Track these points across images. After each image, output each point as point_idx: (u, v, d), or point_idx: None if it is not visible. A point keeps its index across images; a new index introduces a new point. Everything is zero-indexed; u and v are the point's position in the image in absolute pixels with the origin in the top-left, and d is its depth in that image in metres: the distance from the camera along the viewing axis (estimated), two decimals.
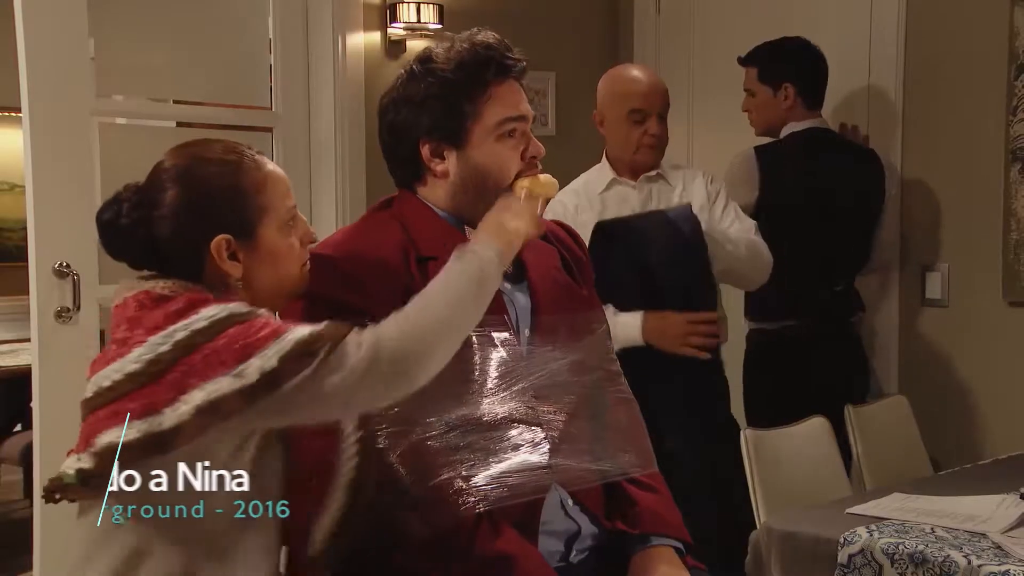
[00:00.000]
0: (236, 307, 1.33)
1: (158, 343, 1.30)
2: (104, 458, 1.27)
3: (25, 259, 2.56)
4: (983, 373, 3.08)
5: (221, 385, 1.26)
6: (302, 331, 1.31)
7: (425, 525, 1.47)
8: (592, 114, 2.73)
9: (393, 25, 3.16)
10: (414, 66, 1.64)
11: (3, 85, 2.73)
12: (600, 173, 2.73)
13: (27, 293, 2.54)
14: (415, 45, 3.20)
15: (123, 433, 1.26)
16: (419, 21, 3.14)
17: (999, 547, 1.79)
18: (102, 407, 1.29)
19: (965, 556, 1.75)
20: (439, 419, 1.52)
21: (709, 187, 2.70)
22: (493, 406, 1.56)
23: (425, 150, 1.62)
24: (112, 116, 3.04)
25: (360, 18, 3.12)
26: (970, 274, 3.09)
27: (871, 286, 3.23)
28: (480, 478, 1.51)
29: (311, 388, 1.28)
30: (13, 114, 2.55)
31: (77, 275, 2.54)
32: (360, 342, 1.31)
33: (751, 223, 2.69)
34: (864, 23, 3.24)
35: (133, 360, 1.30)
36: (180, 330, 1.30)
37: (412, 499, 1.48)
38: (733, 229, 2.63)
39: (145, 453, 1.27)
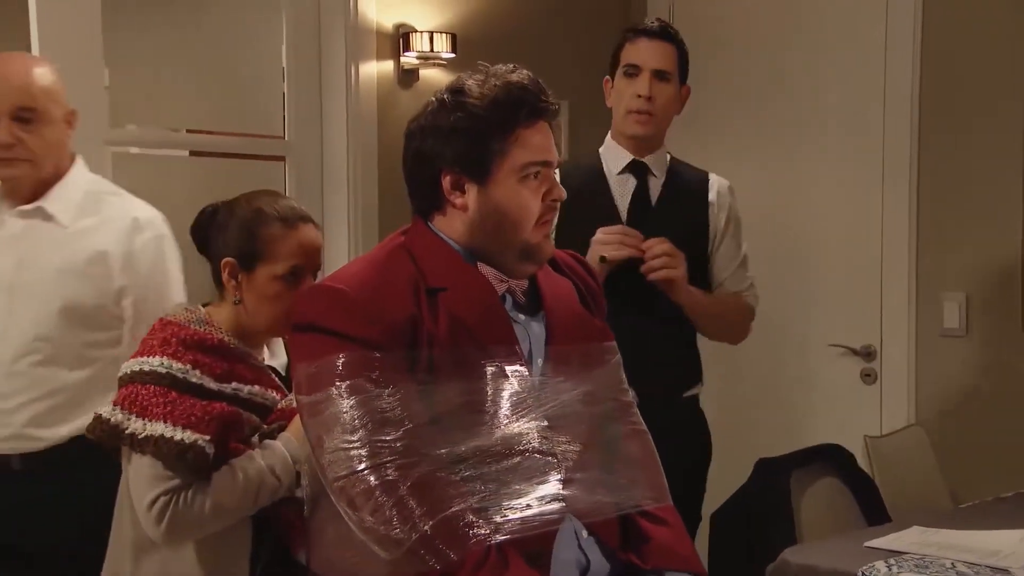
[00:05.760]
0: (187, 375, 1.70)
1: (154, 362, 1.70)
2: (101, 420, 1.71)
3: None
4: (1003, 404, 3.04)
5: (159, 428, 1.65)
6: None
7: (436, 557, 1.45)
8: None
9: (406, 54, 3.17)
10: (445, 96, 1.63)
11: None
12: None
13: None
14: (428, 74, 3.21)
15: (105, 410, 1.70)
16: (432, 50, 3.15)
17: None
18: (122, 386, 1.72)
19: None
20: (451, 450, 1.51)
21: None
22: (505, 437, 1.54)
23: (446, 181, 1.62)
24: (126, 145, 3.05)
25: (373, 47, 3.13)
26: (988, 303, 3.06)
27: (885, 314, 3.20)
28: (492, 510, 1.49)
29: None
30: None
31: None
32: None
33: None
34: (879, 48, 3.23)
35: (136, 364, 1.72)
36: (163, 366, 1.69)
37: (423, 531, 1.46)
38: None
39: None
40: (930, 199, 3.14)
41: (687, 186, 2.43)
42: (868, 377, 3.26)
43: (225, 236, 1.79)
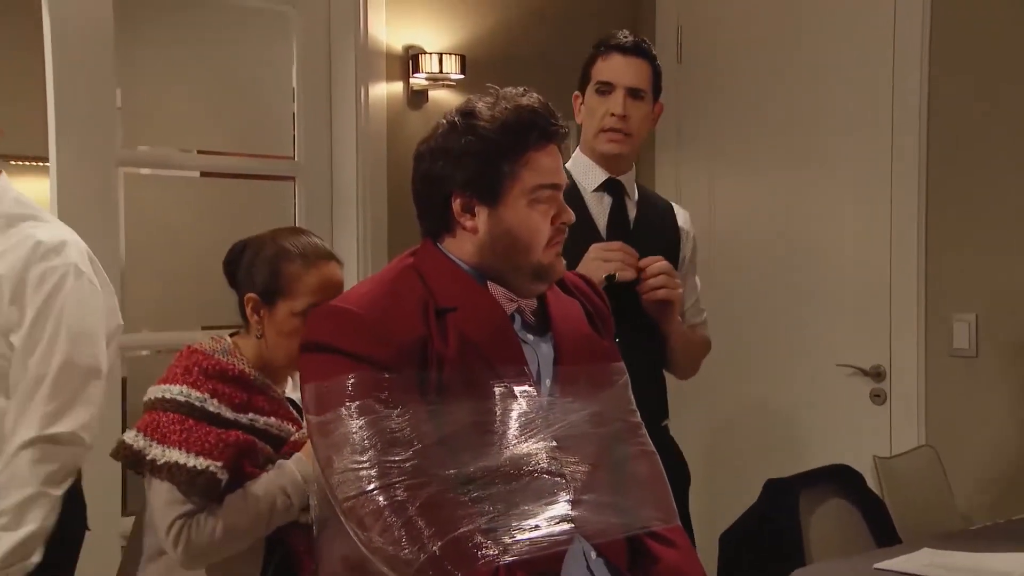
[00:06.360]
0: (204, 404, 1.73)
1: (174, 390, 1.74)
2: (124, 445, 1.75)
3: None
4: (1014, 424, 3.02)
5: (175, 455, 1.68)
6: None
7: None
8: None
9: (415, 75, 3.19)
10: (456, 118, 1.63)
11: (31, 135, 2.77)
12: None
13: None
14: (437, 95, 3.23)
15: (129, 436, 1.74)
16: (441, 71, 3.17)
17: None
18: (146, 411, 1.76)
19: None
20: (460, 471, 1.51)
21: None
22: (514, 457, 1.54)
23: (456, 204, 1.62)
24: (138, 166, 3.07)
25: (383, 68, 3.15)
26: (998, 323, 3.05)
27: (894, 334, 3.19)
28: (501, 530, 1.49)
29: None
30: (40, 163, 2.58)
31: None
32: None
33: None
34: (886, 70, 3.21)
35: (159, 391, 1.76)
36: (182, 395, 1.73)
37: (432, 551, 1.46)
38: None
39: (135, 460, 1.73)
40: (940, 218, 3.13)
41: (657, 211, 2.34)
42: (877, 398, 3.25)
43: (250, 272, 1.84)
